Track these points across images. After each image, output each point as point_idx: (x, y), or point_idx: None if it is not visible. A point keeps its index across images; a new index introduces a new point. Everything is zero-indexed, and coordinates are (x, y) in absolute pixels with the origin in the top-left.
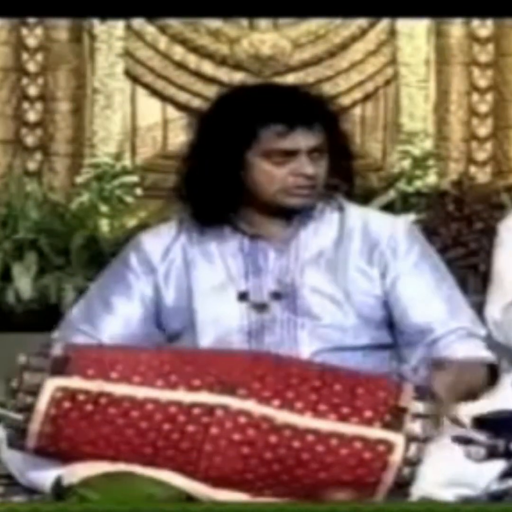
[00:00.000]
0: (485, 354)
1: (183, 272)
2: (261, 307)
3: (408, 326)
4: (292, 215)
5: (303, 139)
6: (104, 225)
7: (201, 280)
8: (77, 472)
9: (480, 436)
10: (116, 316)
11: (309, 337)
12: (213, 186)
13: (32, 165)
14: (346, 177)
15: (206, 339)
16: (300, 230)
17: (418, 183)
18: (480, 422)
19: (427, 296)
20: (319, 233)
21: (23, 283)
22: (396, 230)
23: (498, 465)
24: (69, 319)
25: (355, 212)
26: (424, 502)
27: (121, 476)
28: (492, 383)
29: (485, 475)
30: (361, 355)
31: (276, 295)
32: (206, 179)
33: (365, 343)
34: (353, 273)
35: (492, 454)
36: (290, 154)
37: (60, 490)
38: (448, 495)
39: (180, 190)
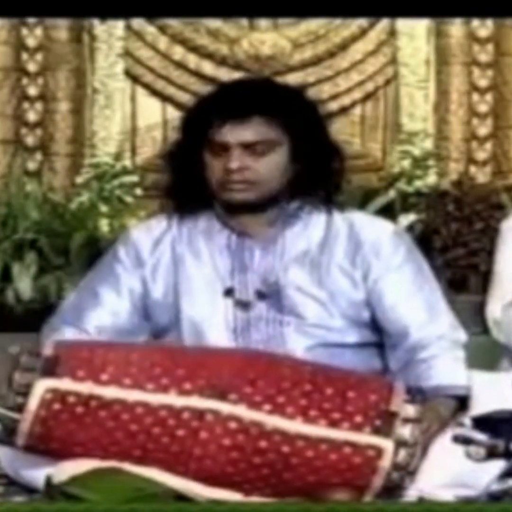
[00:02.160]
0: (463, 380)
1: (171, 267)
2: (245, 305)
3: (389, 328)
4: (265, 212)
5: (232, 133)
6: (104, 225)
7: (189, 276)
8: (65, 470)
9: (480, 436)
10: (104, 308)
11: (296, 334)
12: (181, 182)
13: (32, 165)
14: (319, 174)
15: (192, 336)
16: (286, 229)
17: (418, 183)
18: (480, 422)
19: (406, 300)
20: (305, 234)
21: (23, 283)
22: (381, 233)
23: (498, 465)
24: (59, 310)
25: (342, 215)
26: (424, 502)
27: (109, 472)
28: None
29: (485, 475)
30: (351, 353)
31: (261, 294)
32: (175, 175)
33: (353, 342)
34: (337, 275)
35: (492, 454)
36: (224, 148)
37: (50, 489)
38: (448, 495)
39: (164, 186)
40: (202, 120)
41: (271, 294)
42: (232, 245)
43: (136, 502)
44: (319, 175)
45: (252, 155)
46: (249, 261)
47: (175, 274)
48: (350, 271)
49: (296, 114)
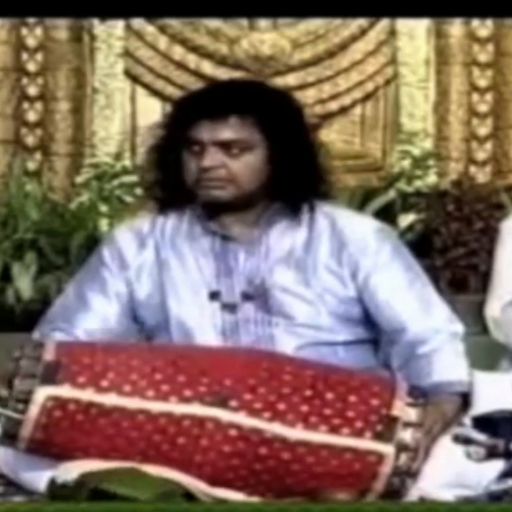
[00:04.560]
0: (465, 375)
1: (156, 270)
2: (232, 308)
3: (384, 325)
4: (244, 212)
5: (208, 131)
6: (104, 225)
7: (174, 279)
8: (72, 469)
9: (480, 436)
10: (92, 313)
11: (286, 335)
12: (164, 177)
13: (32, 165)
14: (296, 178)
15: (181, 338)
16: (270, 230)
17: (418, 183)
18: (480, 422)
19: (399, 295)
20: (288, 233)
21: (23, 283)
22: (365, 231)
23: (498, 465)
24: (48, 315)
25: (324, 212)
26: (424, 502)
27: (128, 472)
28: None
29: (485, 475)
30: (342, 351)
31: (247, 296)
32: (158, 171)
33: (344, 340)
34: (323, 274)
35: (492, 454)
36: (200, 146)
37: (54, 489)
38: (448, 495)
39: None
40: (181, 119)
41: (258, 295)
42: (216, 248)
43: (164, 498)
44: (296, 179)
45: (227, 154)
46: (234, 264)
47: (160, 277)
48: (337, 270)
49: (274, 118)
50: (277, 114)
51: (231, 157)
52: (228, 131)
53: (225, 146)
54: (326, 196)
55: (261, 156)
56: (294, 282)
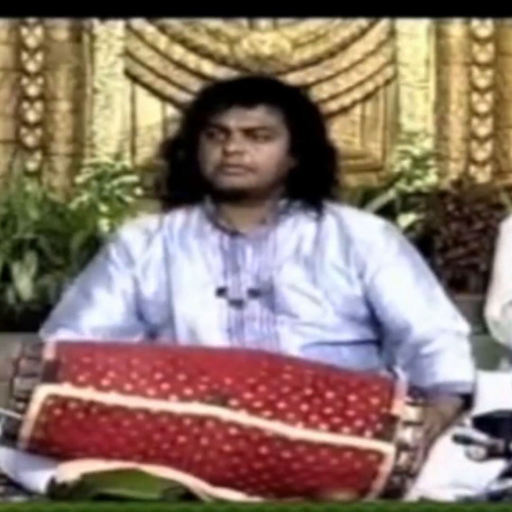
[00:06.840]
0: (468, 376)
1: (163, 267)
2: (238, 304)
3: (390, 325)
4: (256, 207)
5: (236, 118)
6: (104, 225)
7: (181, 276)
8: (73, 470)
9: (480, 436)
10: (97, 309)
11: (291, 334)
12: (178, 170)
13: (32, 165)
14: (313, 174)
15: (186, 335)
16: (277, 226)
17: (418, 183)
18: (480, 422)
19: (405, 295)
20: (296, 231)
21: (23, 283)
22: (371, 229)
23: (498, 465)
24: (53, 313)
25: (332, 210)
26: (424, 502)
27: (129, 472)
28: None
29: (485, 475)
30: (347, 351)
31: (254, 293)
32: (173, 164)
33: (349, 339)
34: (332, 272)
35: (492, 454)
36: (226, 132)
37: (55, 490)
38: (448, 495)
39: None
40: (206, 105)
41: (265, 292)
42: (224, 246)
43: (166, 498)
44: (313, 175)
45: (252, 141)
46: (242, 261)
47: (167, 274)
48: (344, 269)
49: (298, 110)
50: (301, 108)
51: (255, 145)
52: (256, 118)
53: (251, 134)
54: (334, 195)
55: (283, 147)
56: (302, 280)
